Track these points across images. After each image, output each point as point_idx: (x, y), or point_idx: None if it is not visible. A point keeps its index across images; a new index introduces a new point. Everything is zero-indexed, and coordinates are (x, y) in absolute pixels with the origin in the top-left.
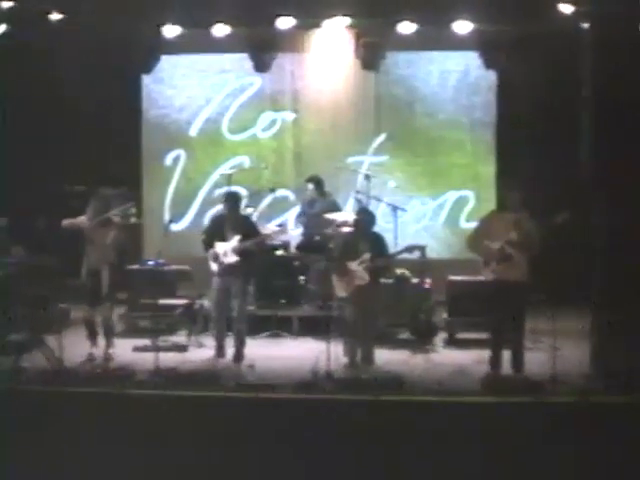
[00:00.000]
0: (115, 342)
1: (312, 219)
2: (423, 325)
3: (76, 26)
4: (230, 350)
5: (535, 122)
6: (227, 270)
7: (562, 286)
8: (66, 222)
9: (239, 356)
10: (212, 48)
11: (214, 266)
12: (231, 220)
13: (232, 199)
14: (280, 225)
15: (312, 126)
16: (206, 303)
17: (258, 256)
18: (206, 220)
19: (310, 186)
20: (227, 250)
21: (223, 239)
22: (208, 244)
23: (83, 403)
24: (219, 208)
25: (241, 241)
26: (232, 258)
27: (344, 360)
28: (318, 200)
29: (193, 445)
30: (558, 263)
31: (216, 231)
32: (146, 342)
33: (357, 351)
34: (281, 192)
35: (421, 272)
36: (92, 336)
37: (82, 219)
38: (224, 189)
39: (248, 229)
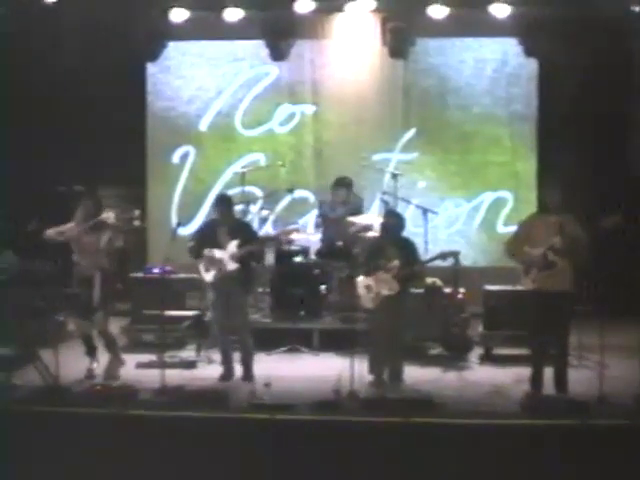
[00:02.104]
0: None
1: (334, 222)
2: (457, 339)
3: (74, 10)
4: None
5: (581, 115)
6: (225, 280)
7: (611, 297)
8: (51, 232)
9: (248, 374)
10: (224, 34)
11: (208, 277)
12: (226, 225)
13: (224, 202)
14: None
15: (334, 120)
16: None
17: (259, 262)
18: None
19: (341, 192)
20: (224, 257)
21: (217, 246)
22: (197, 253)
23: (81, 425)
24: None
25: (240, 246)
26: (231, 266)
27: (369, 378)
28: (341, 203)
29: (202, 471)
30: (607, 271)
31: (208, 238)
32: (151, 358)
33: (384, 368)
34: (300, 193)
35: (454, 281)
36: (90, 351)
37: (69, 226)
38: (237, 189)
39: (246, 234)
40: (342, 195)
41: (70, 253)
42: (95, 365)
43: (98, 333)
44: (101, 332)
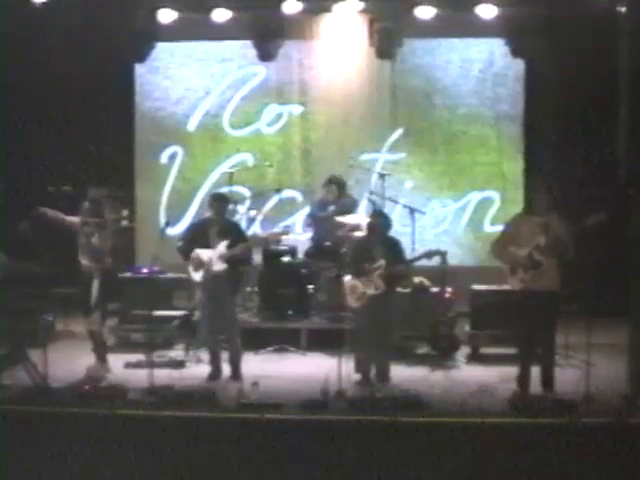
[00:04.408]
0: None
1: (322, 222)
2: (444, 339)
3: (62, 11)
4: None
5: (566, 115)
6: (213, 280)
7: (597, 296)
8: (57, 215)
9: (236, 374)
10: (212, 35)
11: (197, 276)
12: (217, 225)
13: (221, 201)
14: (285, 227)
15: (322, 120)
16: None
17: (247, 263)
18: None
19: (332, 188)
20: (213, 258)
21: (206, 246)
22: (187, 252)
23: (69, 425)
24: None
25: (229, 247)
26: (219, 266)
27: (357, 377)
28: (331, 202)
29: (191, 471)
30: (592, 270)
31: (198, 237)
32: (139, 357)
33: (371, 367)
34: (288, 193)
35: (441, 280)
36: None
37: (72, 219)
38: (225, 189)
39: (236, 234)
40: (333, 191)
41: (61, 254)
42: (101, 365)
43: (90, 334)
44: (94, 333)
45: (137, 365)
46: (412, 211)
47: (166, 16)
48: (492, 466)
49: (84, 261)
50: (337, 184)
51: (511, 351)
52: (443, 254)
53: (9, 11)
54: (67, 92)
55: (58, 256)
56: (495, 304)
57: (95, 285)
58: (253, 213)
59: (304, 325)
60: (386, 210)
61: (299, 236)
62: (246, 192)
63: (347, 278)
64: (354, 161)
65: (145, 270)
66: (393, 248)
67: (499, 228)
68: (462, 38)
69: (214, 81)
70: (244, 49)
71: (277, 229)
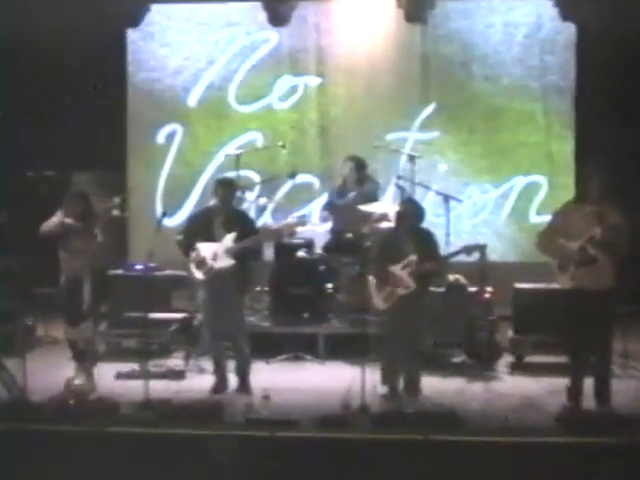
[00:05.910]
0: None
1: (343, 212)
2: (483, 345)
3: None
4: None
5: (624, 88)
6: (218, 278)
7: None
8: (45, 228)
9: (244, 386)
10: None
11: (199, 274)
12: (223, 214)
13: (226, 187)
14: (300, 217)
15: (342, 94)
16: None
17: (257, 259)
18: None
19: (349, 165)
20: (218, 252)
21: (210, 239)
22: (187, 246)
23: (52, 444)
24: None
25: (237, 240)
26: (225, 262)
27: (383, 390)
28: (352, 188)
29: None
30: None
31: (201, 229)
32: (133, 367)
33: (399, 378)
34: (303, 177)
35: (480, 278)
36: (80, 359)
37: (56, 220)
38: (231, 174)
39: (244, 225)
40: (353, 172)
41: (45, 249)
42: (82, 376)
43: (74, 343)
44: (86, 340)
45: (130, 376)
46: (447, 198)
47: None
48: None
49: (70, 260)
50: (354, 162)
51: (560, 360)
52: (482, 248)
53: None
54: (49, 62)
55: (40, 251)
56: (542, 305)
57: (86, 288)
58: (263, 201)
59: (322, 330)
60: (417, 198)
61: (316, 227)
62: (255, 177)
63: (372, 276)
64: (380, 141)
65: (139, 267)
66: (425, 241)
67: (547, 218)
68: None
69: (218, 49)
70: (253, 12)
71: (291, 219)
